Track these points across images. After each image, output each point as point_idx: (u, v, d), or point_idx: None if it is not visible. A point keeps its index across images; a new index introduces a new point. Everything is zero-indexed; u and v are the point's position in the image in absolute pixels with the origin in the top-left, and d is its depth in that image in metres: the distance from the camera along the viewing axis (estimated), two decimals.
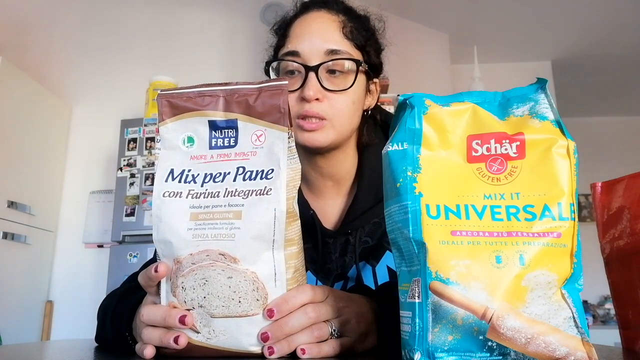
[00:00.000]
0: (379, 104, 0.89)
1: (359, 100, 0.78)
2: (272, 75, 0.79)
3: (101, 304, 0.70)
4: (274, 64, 0.79)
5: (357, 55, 0.78)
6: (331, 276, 0.79)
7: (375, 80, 0.84)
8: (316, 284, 0.78)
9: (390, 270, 0.77)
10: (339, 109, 0.75)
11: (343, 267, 0.79)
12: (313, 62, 0.74)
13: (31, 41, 3.23)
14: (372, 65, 0.81)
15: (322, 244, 0.79)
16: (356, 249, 0.78)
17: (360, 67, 0.76)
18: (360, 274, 0.77)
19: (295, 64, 0.75)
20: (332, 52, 0.74)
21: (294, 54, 0.75)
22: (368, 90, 0.82)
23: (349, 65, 0.75)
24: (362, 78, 0.78)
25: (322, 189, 0.84)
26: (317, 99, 0.73)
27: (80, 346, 0.71)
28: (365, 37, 0.80)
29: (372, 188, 0.80)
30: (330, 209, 0.83)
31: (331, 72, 0.75)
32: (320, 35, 0.75)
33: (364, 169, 0.81)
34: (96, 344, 0.70)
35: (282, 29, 0.82)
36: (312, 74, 0.73)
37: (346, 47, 0.76)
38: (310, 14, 0.79)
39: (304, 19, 0.79)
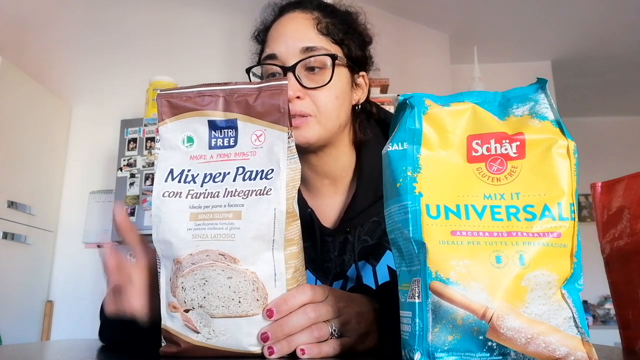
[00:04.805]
0: (376, 102, 0.89)
1: (342, 95, 0.78)
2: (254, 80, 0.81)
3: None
4: (255, 69, 0.80)
5: (336, 50, 0.78)
6: (330, 275, 0.79)
7: (363, 73, 0.84)
8: (315, 283, 0.79)
9: (390, 269, 0.77)
10: (321, 105, 0.75)
11: (342, 266, 0.79)
12: (290, 63, 0.75)
13: (31, 41, 3.23)
14: (354, 58, 0.81)
15: (321, 242, 0.79)
16: (355, 247, 0.78)
17: (337, 61, 0.76)
18: (359, 273, 0.77)
19: (274, 66, 0.76)
20: (307, 49, 0.75)
21: (272, 57, 0.76)
22: (355, 84, 0.82)
23: (326, 60, 0.75)
24: (343, 72, 0.78)
25: (319, 187, 0.84)
26: (298, 98, 0.73)
27: (80, 346, 0.71)
28: (343, 30, 0.79)
29: (371, 185, 0.80)
30: (329, 208, 0.83)
31: (310, 69, 0.75)
32: (294, 35, 0.76)
33: (363, 166, 0.81)
34: (96, 344, 0.70)
35: (262, 35, 0.83)
36: (290, 74, 0.74)
37: (322, 43, 0.76)
38: (285, 16, 0.80)
39: (279, 22, 0.80)
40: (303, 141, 0.75)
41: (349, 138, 0.83)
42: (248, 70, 0.81)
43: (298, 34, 0.76)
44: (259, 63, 0.80)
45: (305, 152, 0.79)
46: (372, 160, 0.81)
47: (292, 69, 0.74)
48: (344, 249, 0.79)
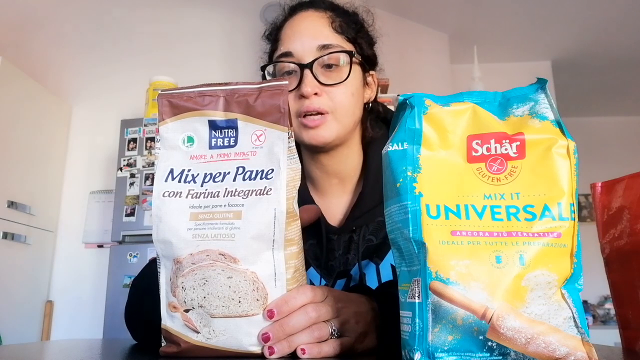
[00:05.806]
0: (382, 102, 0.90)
1: (357, 92, 0.79)
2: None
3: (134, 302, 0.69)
4: (269, 68, 0.81)
5: (350, 47, 0.79)
6: (334, 273, 0.79)
7: (372, 72, 0.85)
8: (320, 280, 0.79)
9: (394, 268, 0.77)
10: (339, 102, 0.75)
11: (346, 265, 0.79)
12: (306, 60, 0.75)
13: (31, 41, 3.23)
14: (365, 57, 0.82)
15: (326, 240, 0.79)
16: (359, 246, 0.78)
17: (354, 58, 0.77)
18: (362, 272, 0.77)
19: (290, 64, 0.76)
20: (324, 47, 0.76)
21: (288, 54, 0.77)
22: (366, 83, 0.83)
23: (342, 57, 0.76)
24: (357, 70, 0.79)
25: (327, 187, 0.84)
26: (315, 94, 0.74)
27: (80, 346, 0.71)
28: (355, 29, 0.81)
29: (378, 185, 0.80)
30: (335, 207, 0.84)
31: (326, 66, 0.76)
32: (310, 33, 0.77)
33: (370, 166, 0.82)
34: (96, 344, 0.70)
35: (274, 34, 0.84)
36: (307, 71, 0.74)
37: (337, 40, 0.77)
38: (299, 14, 0.81)
39: (293, 20, 0.80)
40: (321, 141, 0.75)
41: (359, 137, 0.84)
42: (263, 68, 0.81)
43: (314, 32, 0.77)
44: (274, 61, 0.80)
45: (317, 152, 0.79)
46: (379, 160, 0.81)
47: (310, 66, 0.75)
48: (349, 248, 0.79)
